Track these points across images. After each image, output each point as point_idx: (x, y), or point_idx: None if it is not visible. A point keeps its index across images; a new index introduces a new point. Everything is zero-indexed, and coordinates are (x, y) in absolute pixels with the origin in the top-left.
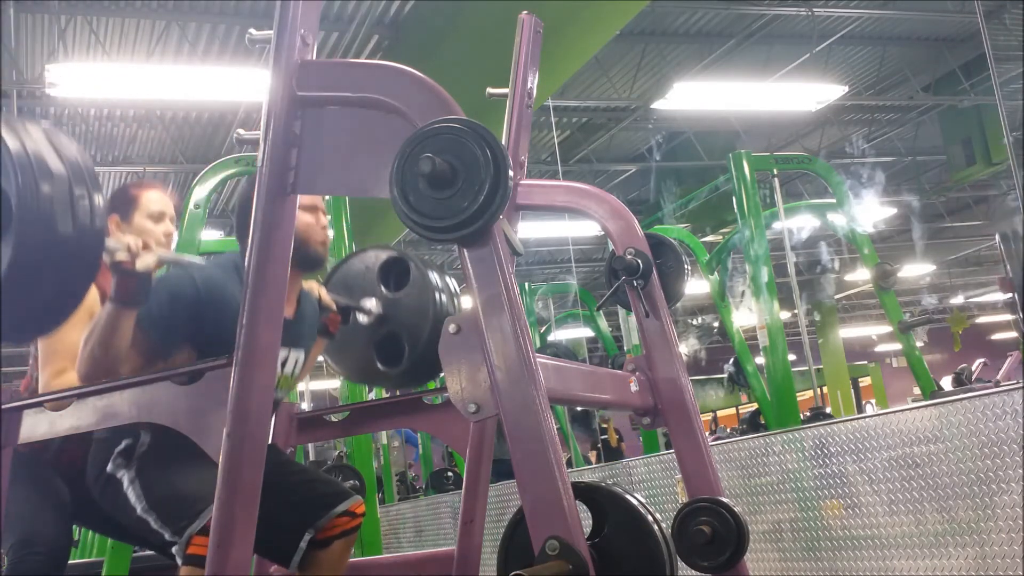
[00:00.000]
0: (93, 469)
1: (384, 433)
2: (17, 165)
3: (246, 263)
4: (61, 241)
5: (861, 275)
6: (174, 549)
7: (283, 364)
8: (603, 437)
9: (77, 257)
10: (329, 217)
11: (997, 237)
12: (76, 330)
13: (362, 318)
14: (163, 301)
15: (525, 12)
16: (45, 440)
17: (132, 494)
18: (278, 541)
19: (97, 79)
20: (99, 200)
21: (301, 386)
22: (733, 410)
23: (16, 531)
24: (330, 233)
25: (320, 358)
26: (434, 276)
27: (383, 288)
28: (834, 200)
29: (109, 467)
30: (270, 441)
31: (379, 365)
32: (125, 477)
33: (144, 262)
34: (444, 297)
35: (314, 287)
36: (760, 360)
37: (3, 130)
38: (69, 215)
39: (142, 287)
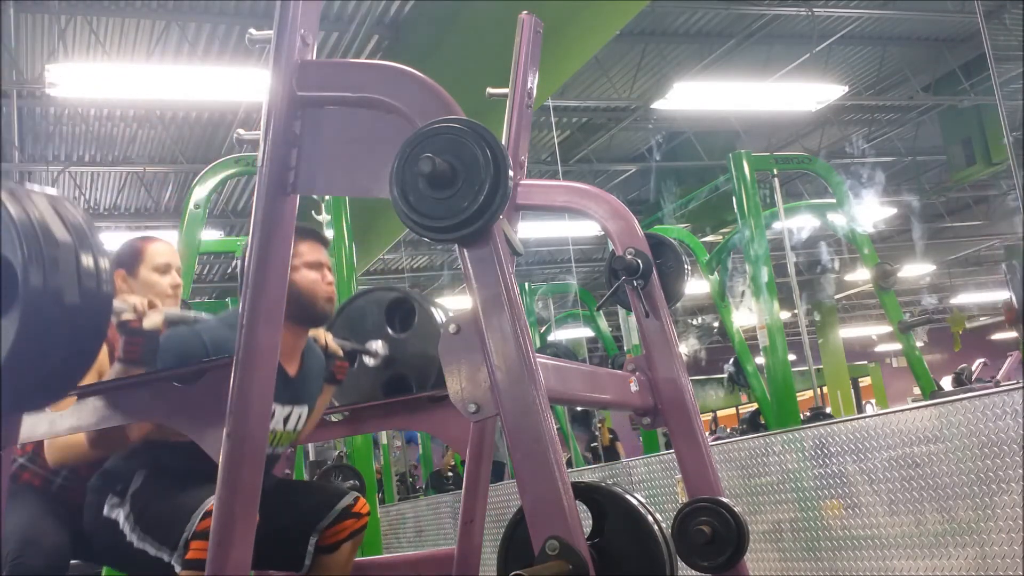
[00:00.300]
0: (89, 517)
1: (384, 433)
2: (22, 235)
3: (246, 262)
4: (68, 311)
5: (861, 275)
6: (173, 559)
7: (285, 420)
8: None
9: (84, 327)
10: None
11: (1003, 267)
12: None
13: (369, 360)
14: (171, 365)
15: (525, 12)
16: (47, 479)
17: (127, 527)
18: (286, 549)
19: (97, 79)
20: (105, 265)
21: None
22: (733, 410)
23: (17, 534)
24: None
25: None
26: (439, 315)
27: (389, 329)
28: (834, 200)
29: (105, 510)
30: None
31: None
32: (120, 514)
33: (151, 321)
34: None
35: (320, 334)
36: (760, 360)
37: (5, 198)
38: (76, 285)
39: (150, 346)
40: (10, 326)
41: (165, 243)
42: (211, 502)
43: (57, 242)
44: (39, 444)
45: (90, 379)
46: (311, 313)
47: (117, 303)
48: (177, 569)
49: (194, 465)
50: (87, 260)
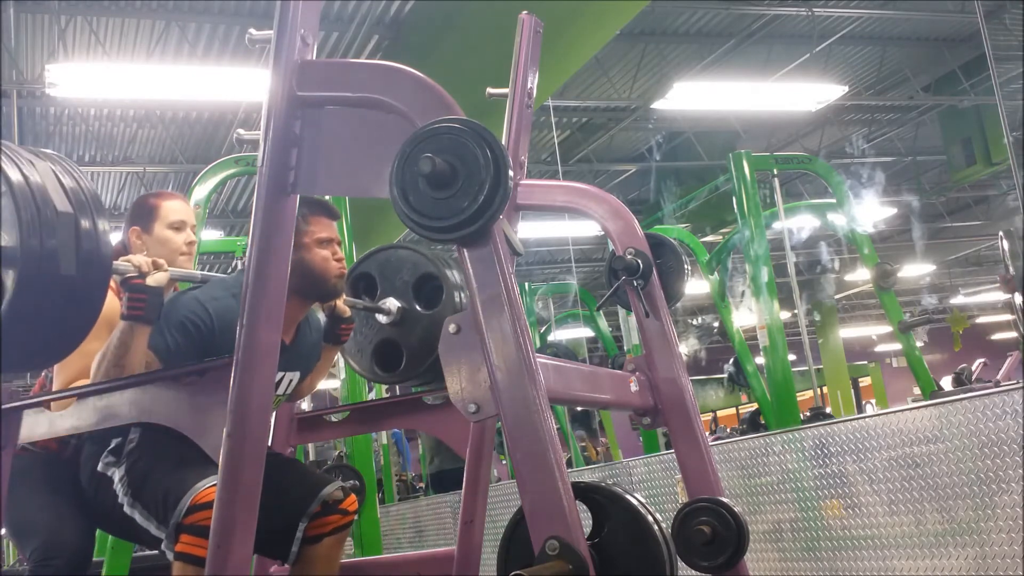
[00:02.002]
0: (86, 470)
1: (384, 433)
2: (21, 203)
3: (246, 263)
4: (65, 282)
5: (861, 275)
6: (163, 545)
7: (276, 384)
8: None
9: (80, 298)
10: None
11: (1001, 234)
12: (94, 340)
13: (381, 318)
14: (177, 334)
15: (525, 12)
16: (63, 441)
17: (121, 490)
18: (274, 535)
19: (97, 79)
20: (104, 227)
21: None
22: (733, 410)
23: (38, 536)
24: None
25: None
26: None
27: (415, 299)
28: (834, 200)
29: (99, 466)
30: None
31: (376, 368)
32: (116, 474)
33: (155, 279)
34: None
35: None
36: (760, 360)
37: (4, 163)
38: (73, 255)
39: (154, 303)
40: (6, 292)
41: (180, 200)
42: (200, 488)
43: (56, 209)
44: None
45: (100, 333)
46: (322, 291)
47: (120, 264)
48: (168, 555)
49: None
50: (86, 224)
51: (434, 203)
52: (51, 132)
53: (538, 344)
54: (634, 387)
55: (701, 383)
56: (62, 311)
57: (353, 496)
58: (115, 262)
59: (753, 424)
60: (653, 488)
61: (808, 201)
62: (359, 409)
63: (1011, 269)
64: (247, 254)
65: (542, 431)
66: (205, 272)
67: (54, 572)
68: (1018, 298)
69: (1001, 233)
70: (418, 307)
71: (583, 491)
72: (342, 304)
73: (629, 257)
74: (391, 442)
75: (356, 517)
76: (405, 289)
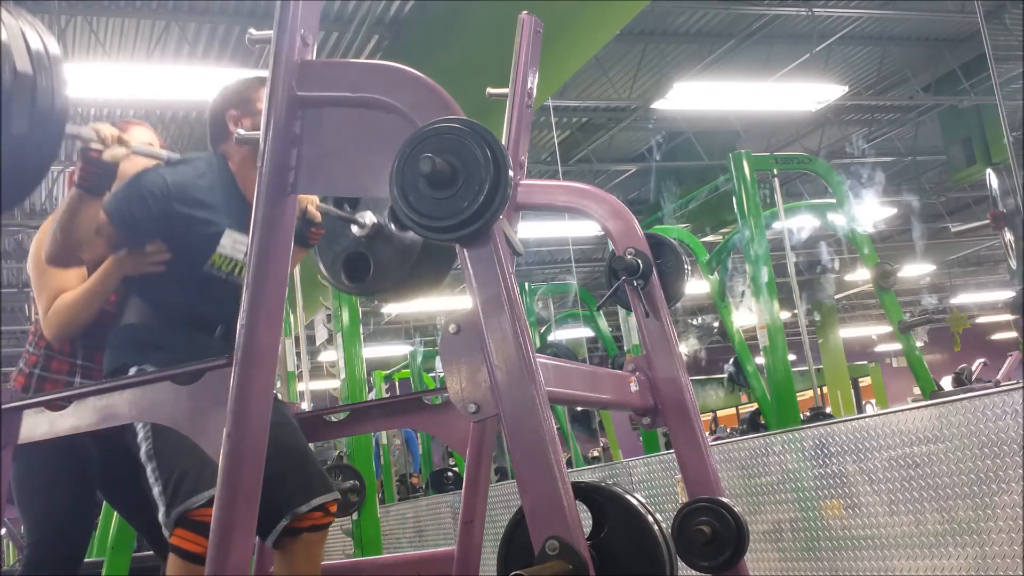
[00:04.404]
0: None
1: (384, 433)
2: None
3: (246, 263)
4: (13, 139)
5: (861, 275)
6: (160, 517)
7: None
8: None
9: (30, 156)
10: None
11: (989, 171)
12: (67, 276)
13: (356, 229)
14: (134, 200)
15: (525, 12)
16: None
17: (140, 433)
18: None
19: (97, 79)
20: (61, 85)
21: (301, 386)
22: (733, 410)
23: (39, 528)
24: None
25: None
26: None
27: (391, 218)
28: (834, 200)
29: None
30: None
31: (344, 279)
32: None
33: (112, 153)
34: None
35: (304, 198)
36: (760, 360)
37: None
38: (27, 113)
39: (105, 177)
40: None
41: (146, 127)
42: (210, 494)
43: (15, 71)
44: (45, 348)
45: (77, 274)
46: None
47: (85, 130)
48: (164, 531)
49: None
50: (45, 86)
51: (434, 203)
52: None
53: (538, 344)
54: (634, 387)
55: (701, 383)
56: (10, 163)
57: (335, 495)
58: (80, 127)
59: (753, 424)
60: (653, 488)
61: (808, 201)
62: (359, 409)
63: (1001, 207)
64: (247, 254)
65: (542, 431)
66: (171, 153)
67: (52, 568)
68: (1007, 235)
69: (989, 171)
70: (393, 226)
71: (583, 491)
72: (313, 209)
73: (629, 257)
74: (403, 439)
75: (332, 520)
76: (384, 206)
